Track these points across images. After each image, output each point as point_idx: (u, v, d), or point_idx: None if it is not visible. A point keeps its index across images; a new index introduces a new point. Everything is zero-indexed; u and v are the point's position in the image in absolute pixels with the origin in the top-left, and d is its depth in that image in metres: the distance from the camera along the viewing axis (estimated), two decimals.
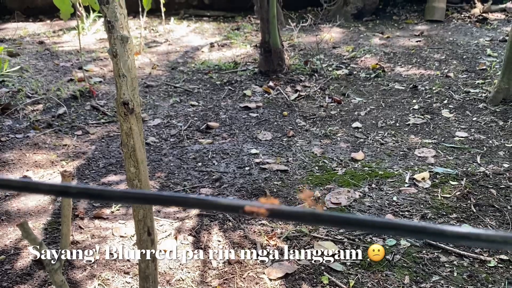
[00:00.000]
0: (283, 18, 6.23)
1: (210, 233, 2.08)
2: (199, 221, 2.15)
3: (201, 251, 1.96)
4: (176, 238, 2.05)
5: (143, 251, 1.19)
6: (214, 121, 3.23)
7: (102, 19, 5.40)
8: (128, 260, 1.92)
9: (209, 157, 2.75)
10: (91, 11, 6.04)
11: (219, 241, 2.03)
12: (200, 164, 2.68)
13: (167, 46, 5.23)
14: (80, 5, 5.73)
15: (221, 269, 1.86)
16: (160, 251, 1.98)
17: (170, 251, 1.97)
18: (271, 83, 3.86)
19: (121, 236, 2.08)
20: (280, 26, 5.45)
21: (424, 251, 1.92)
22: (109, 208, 2.28)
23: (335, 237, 2.03)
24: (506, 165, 2.51)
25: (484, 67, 4.00)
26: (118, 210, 2.27)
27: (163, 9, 5.89)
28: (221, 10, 7.09)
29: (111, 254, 1.96)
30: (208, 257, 1.93)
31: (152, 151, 2.83)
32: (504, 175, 2.41)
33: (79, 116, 3.35)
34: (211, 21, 6.67)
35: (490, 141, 2.78)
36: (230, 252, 1.95)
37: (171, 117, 3.30)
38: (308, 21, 5.60)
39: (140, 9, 5.07)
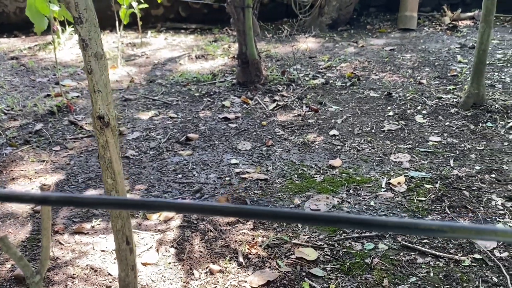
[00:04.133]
0: (260, 29, 6.32)
1: (192, 244, 2.09)
2: (180, 233, 2.16)
3: (183, 262, 1.97)
4: (157, 250, 2.06)
5: (123, 260, 1.21)
6: (194, 132, 3.25)
7: None
8: (110, 274, 1.91)
9: (189, 168, 2.76)
10: (67, 26, 6.02)
11: (201, 252, 2.04)
12: (180, 175, 2.69)
13: (145, 59, 5.24)
14: (55, 20, 5.71)
15: (204, 279, 1.87)
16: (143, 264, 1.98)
17: (152, 264, 1.97)
18: (249, 94, 3.91)
19: (102, 251, 2.07)
20: (256, 37, 5.53)
21: (401, 254, 1.97)
22: (89, 223, 2.27)
23: (315, 243, 2.07)
24: (477, 168, 2.59)
25: (455, 73, 4.13)
26: (98, 224, 2.26)
27: (139, 23, 5.91)
28: (198, 22, 7.14)
29: (92, 269, 1.95)
30: (190, 268, 1.94)
31: (131, 165, 2.83)
32: (476, 177, 2.49)
33: (56, 131, 3.32)
34: (189, 33, 6.70)
35: (462, 145, 2.87)
36: (212, 262, 1.97)
37: (150, 130, 3.31)
38: (285, 32, 5.69)
39: (117, 23, 5.08)
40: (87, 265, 1.97)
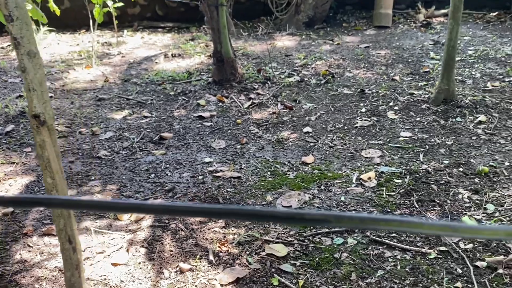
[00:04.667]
0: (236, 27, 6.32)
1: (163, 244, 2.08)
2: (151, 233, 2.16)
3: (153, 262, 1.96)
4: (128, 250, 2.05)
5: (67, 259, 1.20)
6: (168, 131, 3.24)
7: (53, 33, 5.31)
8: None
9: (162, 168, 2.75)
10: (41, 25, 5.92)
11: (172, 251, 2.04)
12: (153, 175, 2.68)
13: (120, 58, 5.19)
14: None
15: (173, 278, 1.87)
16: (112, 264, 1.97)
17: (122, 264, 1.96)
18: (224, 92, 3.91)
19: None
20: (231, 35, 5.52)
21: (370, 248, 2.01)
22: None
23: (286, 239, 2.08)
24: (446, 162, 2.64)
25: (428, 70, 4.20)
26: None
27: (115, 22, 5.85)
28: (176, 21, 7.10)
29: (60, 270, 1.93)
30: (160, 268, 1.94)
31: (103, 165, 2.81)
32: (445, 171, 2.54)
33: (28, 132, 3.27)
34: (166, 32, 6.66)
35: (432, 140, 2.92)
36: (182, 261, 1.97)
37: (124, 130, 3.28)
38: (260, 30, 5.70)
39: (91, 22, 5.02)
40: (55, 267, 1.95)
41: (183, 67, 4.71)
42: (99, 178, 2.67)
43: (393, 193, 2.37)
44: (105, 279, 1.88)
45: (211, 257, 1.97)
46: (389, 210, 2.24)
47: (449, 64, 3.30)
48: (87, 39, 6.10)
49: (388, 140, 2.97)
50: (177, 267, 1.93)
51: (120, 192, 2.51)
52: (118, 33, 6.13)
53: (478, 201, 2.26)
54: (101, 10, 4.92)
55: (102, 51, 5.56)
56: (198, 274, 1.89)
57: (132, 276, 1.89)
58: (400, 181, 2.48)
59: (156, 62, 4.99)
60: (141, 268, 1.94)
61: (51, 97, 3.98)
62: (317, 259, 1.95)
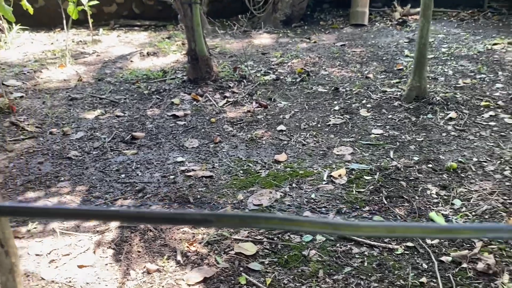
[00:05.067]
0: (214, 25, 6.28)
1: (131, 245, 2.06)
2: (119, 233, 2.13)
3: (120, 263, 1.94)
4: (94, 252, 2.02)
5: (2, 264, 1.17)
6: (140, 131, 3.20)
7: (27, 32, 5.19)
8: (43, 279, 1.86)
9: (133, 168, 2.72)
10: (14, 24, 5.79)
11: (139, 252, 2.01)
12: (123, 175, 2.65)
13: (95, 57, 5.12)
14: (1, 18, 5.49)
15: (140, 279, 1.85)
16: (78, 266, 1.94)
17: (89, 266, 1.93)
18: (199, 91, 3.88)
19: (37, 255, 2.01)
20: (208, 34, 5.50)
21: (338, 245, 2.01)
22: (25, 227, 2.20)
23: (255, 237, 2.08)
24: (416, 158, 2.67)
25: (401, 67, 4.25)
26: (35, 228, 2.19)
27: (90, 20, 5.77)
28: (153, 19, 7.04)
29: (25, 274, 1.89)
30: (127, 269, 1.91)
31: (73, 165, 2.76)
32: (414, 168, 2.57)
33: None
34: (142, 30, 6.60)
35: (403, 137, 2.96)
36: (149, 261, 1.95)
37: (95, 130, 3.23)
38: (237, 28, 5.68)
39: (64, 21, 4.93)
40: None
41: (158, 66, 4.67)
42: (68, 179, 2.62)
43: (362, 190, 2.39)
44: (70, 282, 1.85)
45: (179, 257, 1.96)
46: (358, 207, 2.26)
47: (420, 61, 3.34)
48: (62, 38, 6.00)
49: (360, 137, 2.99)
50: (144, 267, 1.91)
51: (89, 193, 2.48)
52: (93, 31, 6.05)
53: (445, 197, 2.29)
54: (75, 8, 4.84)
55: (77, 50, 5.47)
56: (165, 274, 1.87)
57: (98, 277, 1.87)
58: (370, 177, 2.50)
59: (131, 61, 4.93)
60: (107, 269, 1.91)
61: (21, 97, 3.90)
62: (285, 256, 1.95)
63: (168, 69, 4.51)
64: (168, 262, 1.94)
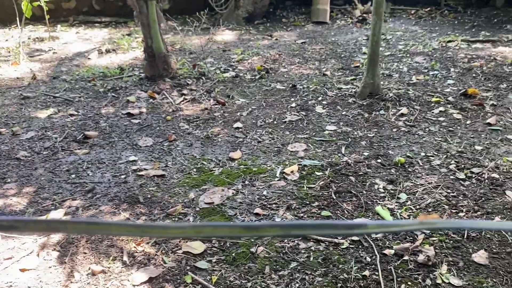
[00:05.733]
0: (175, 22, 6.22)
1: (77, 246, 2.02)
2: (65, 235, 2.09)
3: (64, 266, 1.90)
4: (38, 254, 1.97)
5: None
6: (93, 130, 3.14)
7: None
8: None
9: (84, 167, 2.67)
10: None
11: (85, 253, 1.98)
12: (73, 176, 2.59)
13: (52, 55, 4.99)
14: None
15: (84, 281, 1.82)
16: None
17: (31, 269, 1.89)
18: (156, 88, 3.84)
19: None
20: (164, 30, 5.44)
21: (286, 240, 2.04)
22: None
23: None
24: (366, 153, 2.73)
25: (358, 64, 4.32)
26: None
27: (47, 16, 5.60)
28: (114, 15, 6.91)
29: None
30: (72, 271, 1.88)
31: (22, 166, 2.69)
32: (364, 163, 2.62)
33: None
34: (103, 27, 6.47)
35: (355, 133, 3.01)
36: (95, 263, 1.92)
37: (47, 129, 3.15)
38: (199, 25, 5.65)
39: (17, 18, 4.77)
40: None
41: (116, 63, 4.59)
42: (15, 180, 2.55)
43: (313, 186, 2.42)
44: (11, 286, 1.80)
45: (125, 258, 1.93)
46: (308, 203, 2.29)
47: (373, 59, 3.40)
48: (18, 34, 5.81)
49: (314, 134, 3.03)
50: (89, 269, 1.88)
51: (37, 195, 2.42)
52: (51, 28, 5.89)
53: (392, 191, 2.35)
54: (28, 3, 4.69)
55: (32, 47, 5.32)
56: (110, 275, 1.85)
57: (40, 281, 1.83)
58: (321, 173, 2.53)
59: (89, 58, 4.83)
60: (51, 272, 1.87)
61: None
62: (233, 254, 1.95)
63: (126, 66, 4.44)
64: (114, 263, 1.91)
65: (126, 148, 2.91)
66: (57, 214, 2.24)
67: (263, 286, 1.78)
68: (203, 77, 4.12)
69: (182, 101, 3.62)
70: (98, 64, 4.59)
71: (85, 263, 1.92)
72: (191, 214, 2.24)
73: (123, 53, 4.94)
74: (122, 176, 2.57)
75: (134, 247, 2.01)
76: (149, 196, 2.39)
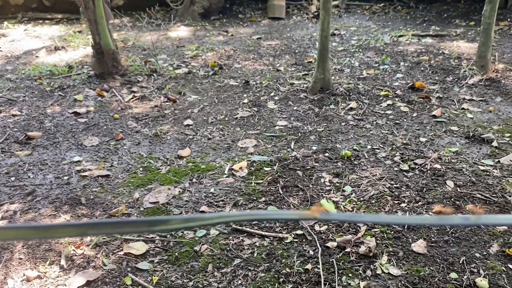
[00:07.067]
0: (131, 18, 6.09)
1: (12, 252, 1.94)
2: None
3: None
4: None
5: None
6: (37, 130, 3.03)
7: None
8: None
9: (25, 169, 2.57)
10: None
11: (21, 259, 1.90)
12: (13, 178, 2.49)
13: None
14: None
15: None
16: None
17: None
18: (105, 86, 3.74)
19: None
20: (113, 26, 5.32)
21: (230, 237, 2.02)
22: None
23: (147, 236, 2.03)
24: (314, 148, 2.75)
25: (311, 60, 4.35)
26: None
27: None
28: (65, 12, 6.69)
29: None
30: (5, 278, 1.80)
31: None
32: (312, 157, 2.64)
33: None
34: (54, 24, 6.25)
35: (305, 127, 3.03)
36: (30, 268, 1.84)
37: None
38: (152, 20, 5.55)
39: None
40: None
41: (65, 61, 4.44)
42: None
43: (261, 181, 2.42)
44: None
45: (63, 262, 1.87)
46: (255, 198, 2.28)
47: (323, 54, 3.43)
48: None
49: (264, 129, 3.03)
50: (23, 275, 1.80)
51: None
52: None
53: (338, 184, 2.38)
54: None
55: None
56: (46, 281, 1.78)
57: None
58: (269, 169, 2.53)
59: (37, 56, 4.66)
60: None
61: None
62: (176, 253, 1.92)
63: (75, 64, 4.30)
64: (51, 267, 1.84)
65: (71, 148, 2.82)
66: None
67: (205, 284, 1.76)
68: (154, 74, 4.05)
69: (132, 98, 3.54)
70: (46, 62, 4.43)
71: (20, 269, 1.84)
72: (135, 214, 2.19)
73: (73, 51, 4.78)
74: (65, 178, 2.49)
75: (73, 250, 1.94)
76: (91, 197, 2.32)
